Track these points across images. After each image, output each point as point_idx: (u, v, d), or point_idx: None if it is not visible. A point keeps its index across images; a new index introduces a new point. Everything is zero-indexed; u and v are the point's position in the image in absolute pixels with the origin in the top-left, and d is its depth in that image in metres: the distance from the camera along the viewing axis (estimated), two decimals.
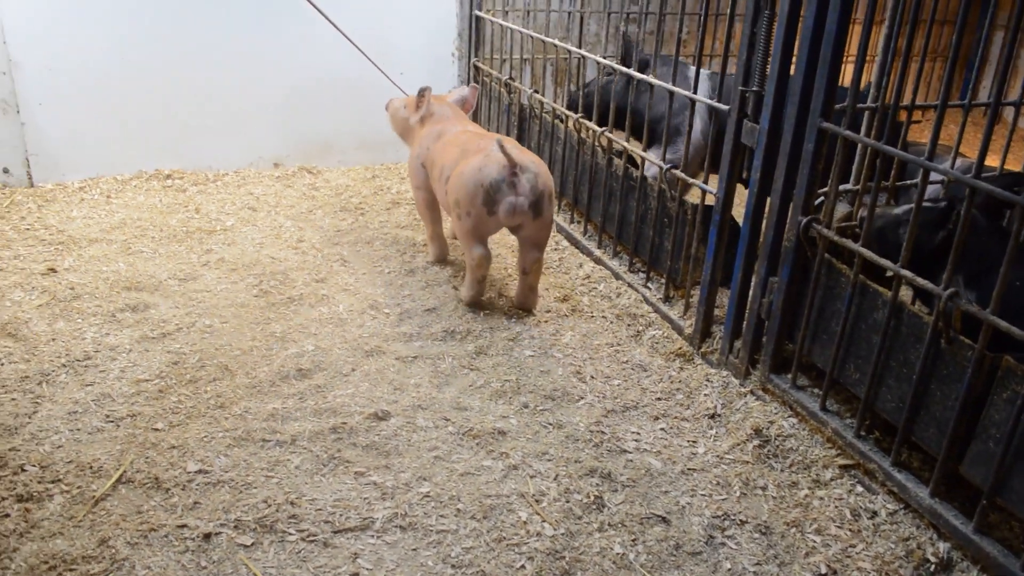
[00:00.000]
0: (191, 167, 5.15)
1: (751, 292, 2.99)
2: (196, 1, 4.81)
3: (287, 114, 5.29)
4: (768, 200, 2.83)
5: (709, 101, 3.09)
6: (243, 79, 5.09)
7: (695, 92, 3.19)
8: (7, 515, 2.26)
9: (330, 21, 4.06)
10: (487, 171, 3.28)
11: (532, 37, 4.67)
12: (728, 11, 2.96)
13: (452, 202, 3.42)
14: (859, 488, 2.51)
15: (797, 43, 2.62)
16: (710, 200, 3.16)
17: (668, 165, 3.41)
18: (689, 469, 2.62)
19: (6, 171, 4.70)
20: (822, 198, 2.75)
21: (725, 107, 2.97)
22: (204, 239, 4.18)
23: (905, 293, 2.45)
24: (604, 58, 4.03)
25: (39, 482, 2.39)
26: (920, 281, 2.31)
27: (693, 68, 3.80)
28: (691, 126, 3.27)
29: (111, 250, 3.97)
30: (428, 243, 4.05)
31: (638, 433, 2.78)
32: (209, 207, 4.62)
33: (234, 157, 5.26)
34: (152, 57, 4.83)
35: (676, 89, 3.30)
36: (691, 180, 3.25)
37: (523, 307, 3.58)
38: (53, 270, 3.70)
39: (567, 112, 4.31)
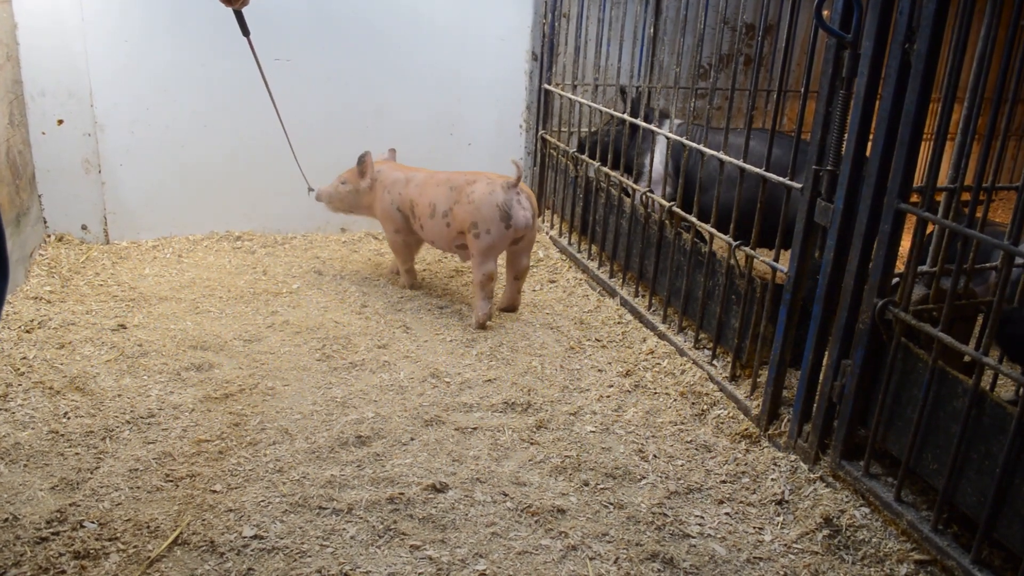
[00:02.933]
0: (260, 229, 5.28)
1: (822, 374, 2.91)
2: (269, 72, 4.98)
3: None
4: (841, 280, 2.77)
5: (780, 179, 3.06)
6: (314, 145, 5.22)
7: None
8: (63, 571, 2.27)
9: (266, 83, 4.27)
10: (497, 194, 3.93)
11: (600, 111, 4.72)
12: (802, 89, 2.95)
13: (468, 225, 3.98)
14: None
15: (874, 122, 2.59)
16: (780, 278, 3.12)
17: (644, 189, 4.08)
18: (755, 558, 2.52)
19: (84, 228, 4.87)
20: (897, 279, 2.69)
21: (798, 185, 2.94)
22: (270, 301, 4.25)
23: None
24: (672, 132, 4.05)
25: (96, 539, 2.40)
26: (1004, 369, 2.22)
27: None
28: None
29: (180, 308, 4.05)
30: (403, 275, 4.57)
31: (702, 517, 2.70)
32: (276, 269, 4.71)
33: (302, 221, 5.38)
34: (226, 122, 5.01)
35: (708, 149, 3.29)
36: (761, 257, 3.21)
37: (511, 308, 4.27)
38: (123, 326, 3.79)
39: (635, 186, 4.32)
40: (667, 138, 4.05)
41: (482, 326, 4.05)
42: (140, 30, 4.68)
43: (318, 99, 5.14)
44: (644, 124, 4.23)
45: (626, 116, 4.41)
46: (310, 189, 4.66)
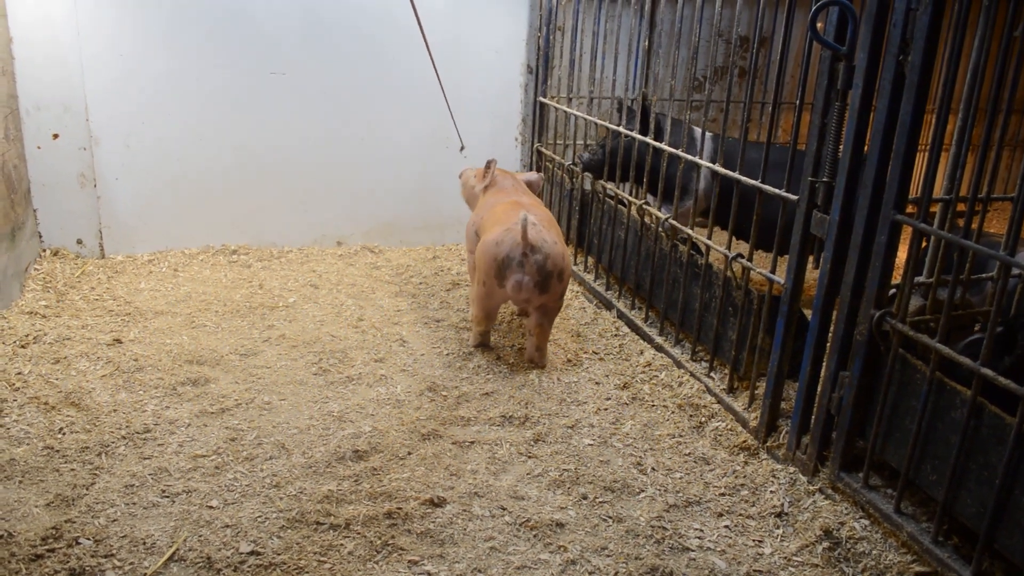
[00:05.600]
0: (256, 243, 5.28)
1: (820, 386, 2.91)
2: (264, 85, 5.00)
3: (351, 193, 5.42)
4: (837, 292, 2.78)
5: (770, 189, 3.07)
6: (309, 159, 5.23)
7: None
8: None
9: (436, 71, 4.29)
10: (503, 247, 3.56)
11: (596, 124, 4.73)
12: (796, 101, 2.96)
13: (477, 267, 3.71)
14: None
15: (869, 133, 2.60)
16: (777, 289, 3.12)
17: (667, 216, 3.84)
18: (755, 571, 2.51)
19: (80, 242, 4.87)
20: (894, 290, 2.69)
21: (794, 197, 2.95)
22: (266, 315, 4.24)
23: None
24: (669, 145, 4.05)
25: (92, 556, 2.39)
26: (1002, 380, 2.22)
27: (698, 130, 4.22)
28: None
29: (175, 323, 4.05)
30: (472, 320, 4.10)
31: (701, 530, 2.69)
32: (272, 283, 4.71)
33: (298, 234, 5.38)
34: (222, 135, 5.02)
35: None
36: (758, 269, 3.21)
37: (531, 363, 3.85)
38: (119, 341, 3.78)
39: (630, 199, 4.33)
40: (712, 150, 3.92)
41: (477, 347, 3.97)
42: (135, 43, 4.69)
43: (313, 113, 5.15)
44: (677, 152, 3.88)
45: (665, 146, 4.00)
46: (463, 147, 4.61)
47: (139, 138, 4.85)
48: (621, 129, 4.41)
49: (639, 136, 4.25)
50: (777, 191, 3.08)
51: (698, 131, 4.15)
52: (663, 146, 3.98)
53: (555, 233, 3.70)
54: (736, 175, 3.34)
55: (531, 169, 5.69)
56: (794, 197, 2.96)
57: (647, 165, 4.17)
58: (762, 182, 3.18)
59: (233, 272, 4.84)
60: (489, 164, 4.23)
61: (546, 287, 3.58)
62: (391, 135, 5.36)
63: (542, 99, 5.49)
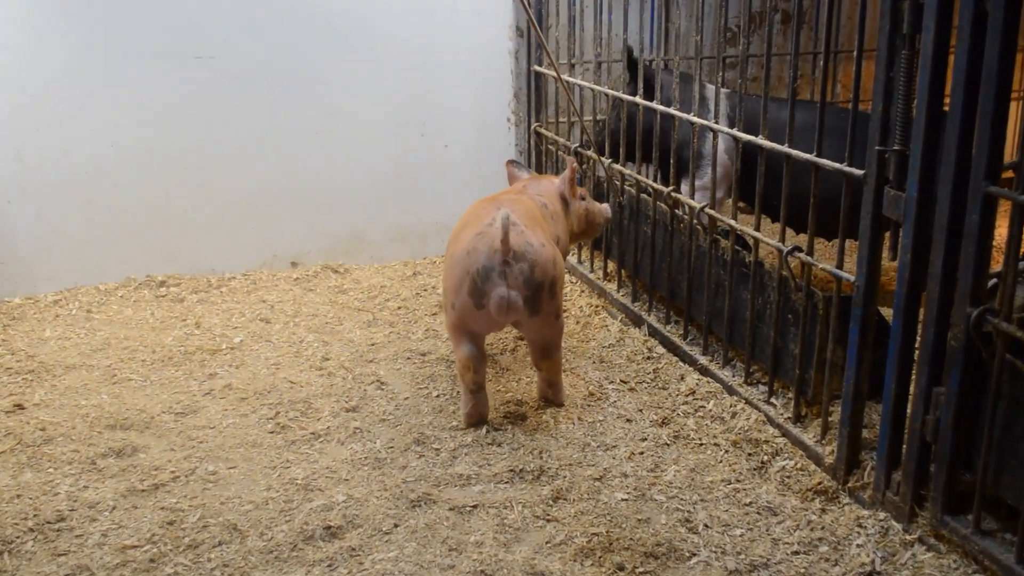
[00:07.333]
0: (189, 271, 5.29)
1: (910, 407, 2.89)
2: (190, 73, 5.00)
3: (307, 200, 5.43)
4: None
5: (837, 165, 3.07)
6: (252, 161, 5.24)
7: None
8: None
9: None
10: (476, 256, 3.42)
11: (607, 95, 4.73)
12: (855, 49, 2.95)
13: (445, 289, 3.63)
14: None
15: (949, 86, 2.59)
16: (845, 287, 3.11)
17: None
18: None
19: None
20: (994, 280, 2.67)
21: (860, 171, 2.94)
22: (206, 361, 4.24)
23: None
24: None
25: None
26: None
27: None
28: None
29: (92, 378, 4.05)
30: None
31: None
32: (212, 320, 4.71)
33: (243, 257, 5.39)
34: (140, 141, 5.03)
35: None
36: (821, 264, 3.20)
37: (545, 401, 3.83)
38: (20, 406, 3.78)
39: (656, 186, 4.32)
40: (730, 114, 3.95)
41: (471, 425, 3.64)
42: (21, 32, 4.70)
43: (254, 104, 5.17)
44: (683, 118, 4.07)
45: (676, 113, 4.08)
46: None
47: (35, 149, 4.86)
48: (620, 95, 4.54)
49: (627, 97, 4.43)
50: (836, 165, 3.07)
51: (711, 87, 4.19)
52: (653, 105, 4.13)
53: (542, 234, 3.62)
54: (767, 143, 3.33)
55: (529, 156, 5.68)
56: (859, 172, 2.95)
57: (654, 135, 4.36)
58: (818, 155, 3.17)
59: (162, 309, 4.85)
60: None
61: (537, 305, 3.46)
62: (354, 124, 5.37)
63: (537, 68, 5.49)
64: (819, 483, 3.16)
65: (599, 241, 5.08)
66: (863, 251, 2.97)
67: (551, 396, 3.81)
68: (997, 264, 2.65)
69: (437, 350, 4.34)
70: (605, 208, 4.36)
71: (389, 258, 5.66)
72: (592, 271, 5.15)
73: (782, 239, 3.46)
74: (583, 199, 4.23)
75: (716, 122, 3.88)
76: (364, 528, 3.00)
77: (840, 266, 3.17)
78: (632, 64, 4.50)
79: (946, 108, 2.61)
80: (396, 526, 3.02)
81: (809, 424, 3.45)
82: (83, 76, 4.85)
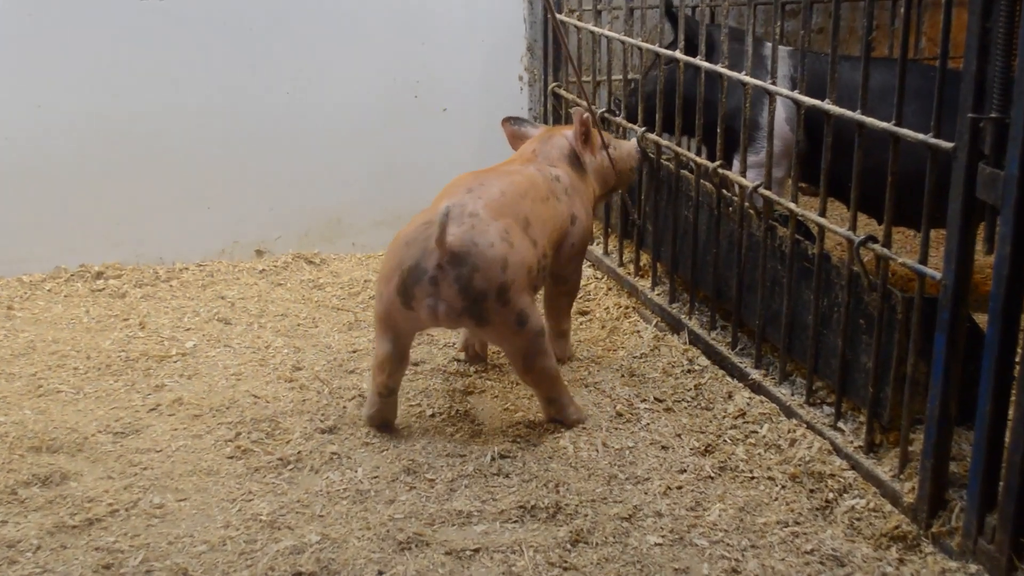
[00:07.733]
0: (132, 260, 5.30)
1: (1009, 434, 2.86)
2: (134, 21, 4.98)
3: (276, 178, 5.43)
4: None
5: (922, 136, 3.04)
6: (210, 129, 5.23)
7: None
8: None
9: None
10: (411, 250, 3.48)
11: (640, 48, 4.70)
12: None
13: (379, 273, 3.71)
14: None
15: None
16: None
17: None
18: None
19: None
20: None
21: (948, 144, 2.90)
22: (152, 369, 4.24)
23: None
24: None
25: None
26: None
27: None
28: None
29: (12, 390, 4.04)
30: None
31: None
32: (160, 320, 4.71)
33: (196, 243, 5.39)
34: (72, 104, 5.04)
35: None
36: (900, 258, 3.17)
37: (553, 421, 3.82)
38: None
39: (701, 160, 4.29)
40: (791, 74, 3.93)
41: (373, 427, 3.77)
42: None
43: (214, 59, 5.18)
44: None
45: (725, 71, 4.07)
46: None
47: None
48: (656, 48, 4.53)
49: (665, 52, 4.45)
50: (920, 136, 3.03)
51: (767, 44, 4.19)
52: (697, 62, 4.14)
53: (513, 228, 3.58)
54: (837, 109, 3.30)
55: (547, 122, 5.66)
56: (947, 144, 2.91)
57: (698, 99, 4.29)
58: (897, 123, 3.14)
59: (99, 306, 4.85)
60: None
61: (482, 315, 3.48)
62: (333, 87, 5.37)
63: (557, 15, 5.46)
64: (896, 527, 3.13)
65: (630, 229, 5.06)
66: (952, 243, 2.93)
67: (555, 415, 3.81)
68: None
69: (432, 359, 4.34)
70: (632, 148, 4.41)
71: (374, 247, 5.63)
72: (621, 264, 5.13)
73: (852, 227, 3.43)
74: (605, 148, 4.24)
75: (774, 84, 3.84)
76: (342, 575, 2.98)
77: (924, 261, 3.13)
78: (671, 13, 4.46)
79: None
80: (381, 573, 2.99)
81: (884, 455, 3.43)
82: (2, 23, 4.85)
